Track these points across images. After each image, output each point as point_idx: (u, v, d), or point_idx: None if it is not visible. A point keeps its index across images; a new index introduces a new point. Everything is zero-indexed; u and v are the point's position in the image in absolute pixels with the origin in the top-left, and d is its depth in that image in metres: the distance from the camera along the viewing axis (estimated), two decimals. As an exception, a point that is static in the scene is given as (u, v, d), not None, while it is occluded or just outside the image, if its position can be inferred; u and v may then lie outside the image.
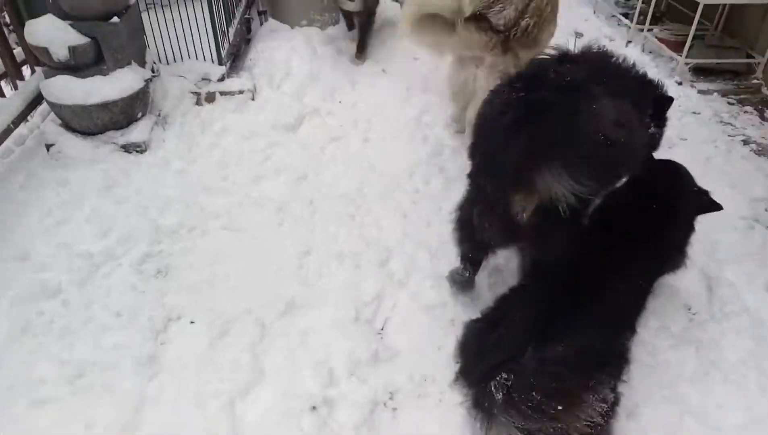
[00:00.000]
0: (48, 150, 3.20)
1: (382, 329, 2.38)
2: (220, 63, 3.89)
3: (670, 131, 3.66)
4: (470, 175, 2.16)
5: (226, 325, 2.36)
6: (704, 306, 2.48)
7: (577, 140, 1.70)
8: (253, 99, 3.87)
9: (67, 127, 3.27)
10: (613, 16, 5.50)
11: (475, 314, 2.13)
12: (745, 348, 2.28)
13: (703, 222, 2.91)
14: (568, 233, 1.95)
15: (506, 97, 1.92)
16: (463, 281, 2.46)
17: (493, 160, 1.89)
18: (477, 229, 2.16)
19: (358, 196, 3.13)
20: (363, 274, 2.63)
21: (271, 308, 2.43)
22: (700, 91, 4.22)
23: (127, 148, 3.28)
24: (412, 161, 3.35)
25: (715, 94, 4.22)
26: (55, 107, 3.21)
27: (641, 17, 4.99)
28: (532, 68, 2.15)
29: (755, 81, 4.34)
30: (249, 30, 4.64)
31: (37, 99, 3.38)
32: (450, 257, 2.57)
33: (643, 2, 4.98)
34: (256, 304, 2.45)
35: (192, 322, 2.38)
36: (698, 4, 4.16)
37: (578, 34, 5.15)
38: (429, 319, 2.41)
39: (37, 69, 3.44)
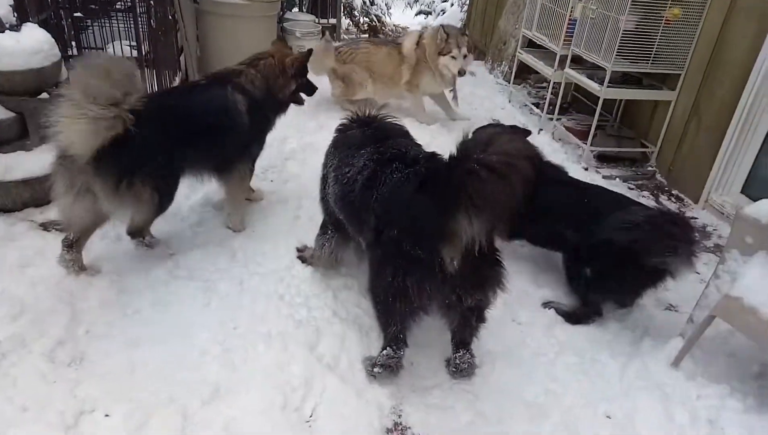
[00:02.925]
0: (-44, 227, 3.02)
1: (311, 416, 2.34)
2: (151, 140, 3.87)
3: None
4: (390, 250, 2.29)
5: (145, 415, 2.24)
6: (617, 382, 2.64)
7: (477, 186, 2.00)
8: (182, 176, 3.85)
9: (-19, 203, 3.12)
10: (526, 105, 6.03)
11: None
12: (656, 423, 2.43)
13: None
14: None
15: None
16: (396, 363, 2.47)
17: (415, 226, 2.17)
18: (415, 297, 2.24)
19: (288, 275, 3.14)
20: (291, 356, 2.59)
21: (194, 396, 2.34)
22: (604, 177, 4.66)
23: (46, 226, 3.15)
24: (343, 240, 3.42)
25: (618, 179, 4.66)
26: (-31, 183, 3.06)
27: (550, 107, 5.51)
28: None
29: (650, 168, 4.85)
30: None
31: (-51, 173, 3.21)
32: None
33: (551, 94, 5.51)
34: (179, 392, 2.35)
35: (107, 415, 2.23)
36: (598, 97, 4.67)
37: (495, 121, 5.59)
38: (360, 403, 2.39)
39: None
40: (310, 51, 3.56)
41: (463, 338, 2.53)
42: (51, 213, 3.21)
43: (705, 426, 2.39)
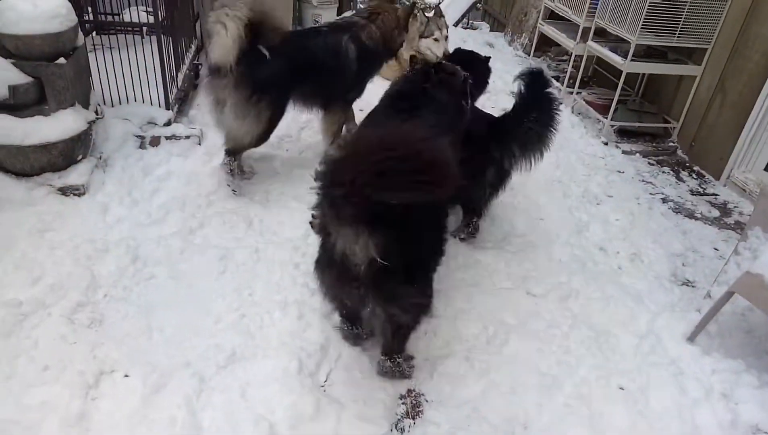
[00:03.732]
0: (-24, 191, 3.05)
1: (326, 382, 2.37)
2: (167, 107, 3.88)
3: (597, 188, 3.96)
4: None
5: (162, 378, 2.28)
6: (631, 356, 2.63)
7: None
8: (199, 144, 3.85)
9: (0, 167, 3.14)
10: (546, 78, 5.91)
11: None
12: (669, 397, 2.43)
13: (631, 275, 3.14)
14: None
15: None
16: (348, 335, 2.51)
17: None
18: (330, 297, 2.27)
19: (303, 244, 3.14)
20: (307, 323, 2.62)
21: (210, 361, 2.38)
22: (624, 152, 4.58)
23: (64, 191, 3.18)
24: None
25: (637, 154, 4.58)
26: (-12, 147, 3.08)
27: (571, 81, 5.40)
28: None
29: (671, 144, 4.75)
30: (197, 75, 4.65)
31: (-31, 137, 3.23)
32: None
33: (572, 67, 5.39)
34: (195, 357, 2.39)
35: (126, 376, 2.28)
36: (621, 71, 4.56)
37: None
38: (374, 370, 2.41)
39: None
40: (413, 4, 3.97)
41: (384, 344, 2.37)
42: (69, 177, 3.23)
43: (719, 400, 2.38)
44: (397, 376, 2.39)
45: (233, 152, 3.47)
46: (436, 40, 5.01)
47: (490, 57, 3.56)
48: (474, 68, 3.19)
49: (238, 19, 2.95)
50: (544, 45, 6.46)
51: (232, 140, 3.41)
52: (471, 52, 3.52)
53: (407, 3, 4.13)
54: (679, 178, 4.31)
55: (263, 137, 3.47)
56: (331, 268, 2.09)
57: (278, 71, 3.22)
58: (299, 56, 3.36)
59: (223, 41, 2.97)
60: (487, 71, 3.48)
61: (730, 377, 2.47)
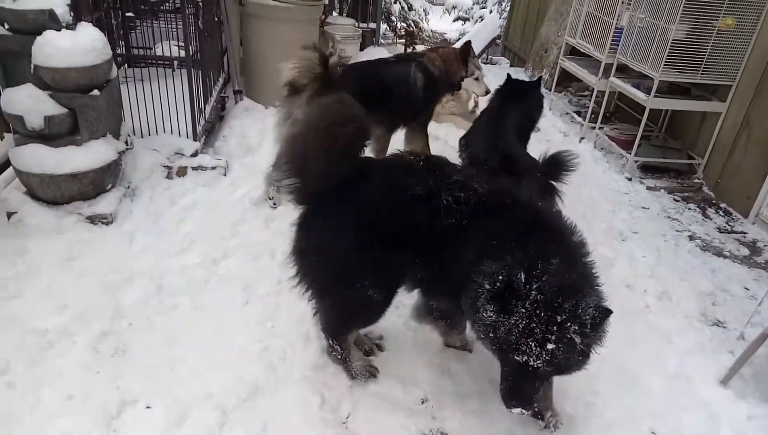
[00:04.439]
0: (9, 218, 3.11)
1: (348, 417, 2.33)
2: (195, 138, 3.96)
3: (622, 224, 3.91)
4: None
5: (185, 410, 2.26)
6: (661, 399, 2.55)
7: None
8: (225, 175, 3.92)
9: (32, 195, 3.21)
10: (567, 113, 5.93)
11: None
12: (702, 442, 2.34)
13: (659, 314, 3.07)
14: None
15: None
16: None
17: None
18: None
19: (326, 277, 3.13)
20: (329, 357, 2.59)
21: (232, 393, 2.35)
22: (648, 188, 4.54)
23: (92, 220, 3.24)
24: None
25: (662, 190, 4.53)
26: (22, 175, 3.16)
27: (593, 116, 5.40)
28: None
29: (697, 180, 4.70)
30: (223, 108, 4.77)
31: (4, 165, 3.33)
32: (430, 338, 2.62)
33: (594, 102, 5.40)
34: (217, 389, 2.37)
35: (148, 407, 2.27)
36: (644, 107, 4.56)
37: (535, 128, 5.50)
38: (397, 406, 2.37)
39: (7, 136, 3.40)
40: (468, 42, 4.21)
41: None
42: (98, 206, 3.29)
43: (757, 448, 2.29)
44: (333, 361, 2.49)
45: None
46: (477, 79, 5.07)
47: (541, 77, 3.67)
48: (529, 93, 3.26)
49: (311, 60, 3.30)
50: (565, 80, 6.50)
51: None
52: (520, 80, 3.66)
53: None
54: (705, 216, 4.24)
55: None
56: None
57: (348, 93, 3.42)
58: (369, 82, 3.56)
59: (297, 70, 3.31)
60: (541, 97, 3.61)
61: (767, 424, 2.38)
